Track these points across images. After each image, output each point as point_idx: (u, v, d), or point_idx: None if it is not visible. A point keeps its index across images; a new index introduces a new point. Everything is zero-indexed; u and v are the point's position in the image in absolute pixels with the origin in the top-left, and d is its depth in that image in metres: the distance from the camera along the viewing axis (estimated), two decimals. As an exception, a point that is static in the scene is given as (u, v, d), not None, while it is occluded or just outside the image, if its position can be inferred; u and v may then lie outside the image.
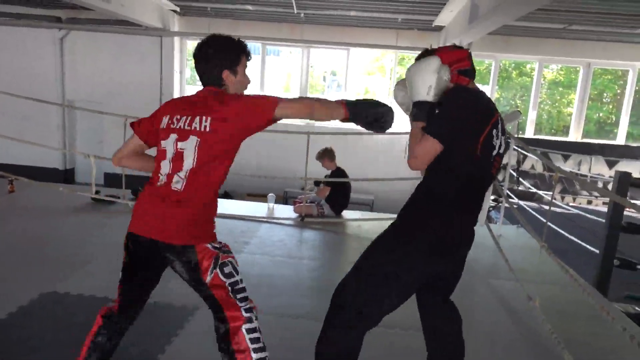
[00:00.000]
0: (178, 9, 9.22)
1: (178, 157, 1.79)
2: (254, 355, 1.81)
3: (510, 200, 6.58)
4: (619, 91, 10.81)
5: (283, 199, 9.20)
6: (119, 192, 5.60)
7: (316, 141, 5.75)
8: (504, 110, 10.35)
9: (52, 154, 9.87)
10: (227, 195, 9.49)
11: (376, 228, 5.61)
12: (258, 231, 4.90)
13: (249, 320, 1.84)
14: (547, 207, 7.13)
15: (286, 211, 5.78)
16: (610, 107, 11.18)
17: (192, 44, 10.93)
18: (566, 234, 5.87)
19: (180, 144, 1.79)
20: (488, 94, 10.28)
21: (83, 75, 10.00)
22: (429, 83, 1.79)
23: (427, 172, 1.87)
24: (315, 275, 3.85)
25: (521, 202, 6.78)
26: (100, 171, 8.92)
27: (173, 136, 1.81)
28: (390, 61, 10.25)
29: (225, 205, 6.06)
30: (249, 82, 1.97)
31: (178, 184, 1.78)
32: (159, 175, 1.84)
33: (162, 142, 1.84)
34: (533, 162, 9.49)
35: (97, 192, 5.54)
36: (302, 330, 2.80)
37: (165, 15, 9.16)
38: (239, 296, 1.84)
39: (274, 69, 11.94)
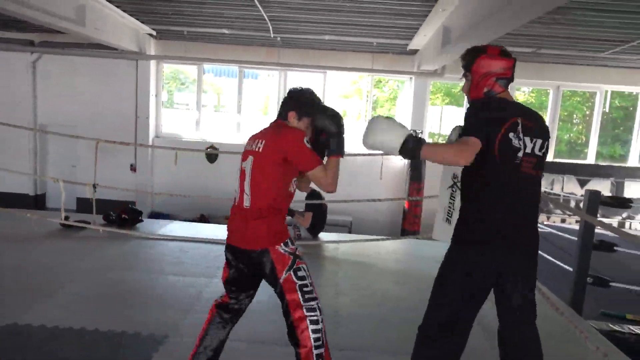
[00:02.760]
0: (154, 33, 9.21)
1: (242, 175, 2.17)
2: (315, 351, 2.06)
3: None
4: (587, 112, 11.14)
5: (261, 222, 9.09)
6: (90, 217, 5.46)
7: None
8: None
9: (22, 179, 9.62)
10: (203, 219, 9.35)
11: (354, 249, 5.61)
12: (233, 255, 4.81)
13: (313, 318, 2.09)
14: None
15: (262, 234, 5.70)
16: (580, 127, 11.51)
17: (168, 67, 10.92)
18: (540, 252, 5.91)
19: (243, 164, 2.18)
20: (460, 116, 10.46)
21: (57, 98, 9.84)
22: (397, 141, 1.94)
23: (462, 184, 2.11)
24: (291, 300, 3.78)
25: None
26: (72, 196, 8.72)
27: (248, 157, 2.18)
28: (367, 84, 10.38)
29: (199, 229, 5.96)
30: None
31: (247, 201, 2.13)
32: (235, 191, 2.22)
33: (241, 163, 2.21)
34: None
35: (66, 218, 5.39)
36: (273, 356, 2.73)
37: (141, 38, 9.14)
38: (307, 297, 2.09)
39: (252, 92, 11.99)
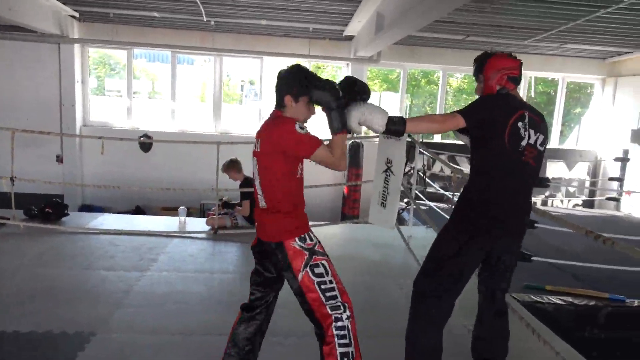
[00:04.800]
0: (77, 15, 8.64)
1: (255, 177, 2.18)
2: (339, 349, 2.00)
3: (420, 202, 6.86)
4: (514, 97, 11.72)
5: (200, 212, 8.90)
6: (9, 212, 5.09)
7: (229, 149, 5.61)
8: (413, 115, 10.82)
9: None
10: (139, 210, 9.01)
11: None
12: (167, 247, 4.68)
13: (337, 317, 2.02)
14: (455, 207, 7.52)
15: (199, 224, 5.58)
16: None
17: (95, 52, 10.32)
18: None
19: (253, 165, 2.19)
20: (398, 101, 10.59)
21: (-31, 86, 9.03)
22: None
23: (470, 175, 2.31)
24: (227, 290, 3.73)
25: (431, 204, 7.10)
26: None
27: (254, 159, 2.19)
28: (304, 70, 10.34)
29: (133, 222, 5.73)
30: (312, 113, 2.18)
31: (262, 201, 2.15)
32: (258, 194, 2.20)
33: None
34: (442, 165, 10.00)
35: (-18, 214, 4.99)
36: (210, 348, 2.69)
37: (63, 21, 8.54)
38: (327, 294, 2.03)
39: (188, 78, 11.59)
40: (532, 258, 4.77)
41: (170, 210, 8.28)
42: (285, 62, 11.23)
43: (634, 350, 4.23)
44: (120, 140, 6.24)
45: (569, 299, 4.25)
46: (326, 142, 2.11)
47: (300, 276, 2.04)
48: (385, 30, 6.42)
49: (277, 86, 2.13)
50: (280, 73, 2.14)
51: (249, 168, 2.47)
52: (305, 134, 2.04)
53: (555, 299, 4.22)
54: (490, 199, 2.19)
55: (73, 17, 8.75)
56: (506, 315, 2.45)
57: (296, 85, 2.08)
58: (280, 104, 2.13)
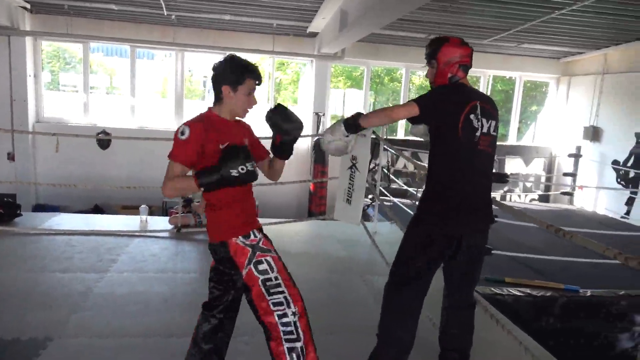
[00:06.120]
0: (28, 6, 8.25)
1: None
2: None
3: (385, 198, 6.93)
4: (474, 95, 12.02)
5: (162, 210, 8.68)
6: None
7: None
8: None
9: None
10: (97, 209, 8.71)
11: (258, 234, 5.56)
12: (128, 247, 4.54)
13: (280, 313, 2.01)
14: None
15: (161, 223, 5.45)
16: (469, 109, 12.41)
17: (49, 45, 9.88)
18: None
19: None
20: (362, 98, 10.66)
21: None
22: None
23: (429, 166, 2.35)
24: (190, 289, 3.65)
25: (395, 200, 7.19)
26: None
27: None
28: (269, 66, 10.25)
29: (91, 221, 5.53)
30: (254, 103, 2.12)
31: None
32: None
33: None
34: (405, 161, 10.15)
35: None
36: (173, 349, 2.62)
37: (13, 12, 8.12)
38: (272, 291, 2.01)
39: (148, 73, 11.26)
40: (493, 251, 4.92)
41: (130, 208, 8.05)
42: (250, 58, 11.05)
43: (587, 339, 4.42)
44: (77, 137, 5.99)
45: (527, 290, 4.39)
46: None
47: (245, 274, 2.03)
48: (349, 27, 6.44)
49: (213, 79, 2.06)
50: (214, 65, 2.07)
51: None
52: (179, 140, 1.96)
53: (514, 291, 4.35)
54: (452, 189, 2.24)
55: (24, 8, 8.35)
56: (474, 308, 2.51)
57: (233, 73, 2.02)
58: (219, 97, 2.07)
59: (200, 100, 12.42)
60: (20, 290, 3.47)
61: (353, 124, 2.28)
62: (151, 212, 6.05)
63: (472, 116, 2.20)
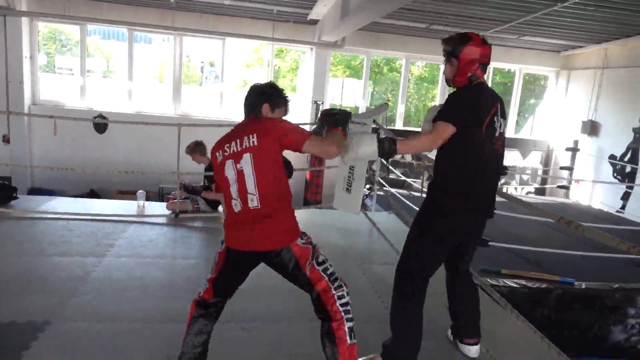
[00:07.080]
0: (25, -14, 8.14)
1: (241, 178, 2.06)
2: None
3: (383, 188, 6.94)
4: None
5: (159, 196, 8.66)
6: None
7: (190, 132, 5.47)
8: (376, 102, 10.91)
9: None
10: (93, 194, 8.68)
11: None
12: (126, 232, 4.52)
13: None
14: (417, 194, 7.66)
15: (159, 208, 5.43)
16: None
17: (45, 27, 9.75)
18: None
19: (237, 166, 2.07)
20: (361, 88, 10.62)
21: None
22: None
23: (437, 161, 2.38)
24: (189, 275, 3.65)
25: (393, 190, 7.20)
26: None
27: (229, 162, 2.08)
28: (268, 53, 10.18)
29: (88, 205, 5.51)
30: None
31: (253, 201, 2.06)
32: (232, 200, 2.10)
33: (224, 172, 2.10)
34: (403, 152, 10.14)
35: None
36: (171, 335, 2.62)
37: (9, -9, 8.01)
38: (331, 278, 2.11)
39: (145, 57, 11.13)
40: (490, 243, 4.96)
41: (126, 194, 8.02)
42: (250, 45, 11.02)
43: (581, 330, 4.48)
44: (74, 120, 5.94)
45: (523, 281, 4.43)
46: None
47: (308, 271, 2.09)
48: (351, 15, 6.39)
49: (253, 98, 2.20)
50: (256, 86, 2.24)
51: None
52: (295, 125, 2.15)
53: (510, 282, 4.39)
54: (473, 188, 2.30)
55: (20, -13, 8.22)
56: (476, 286, 2.71)
57: (275, 97, 2.21)
58: (257, 112, 2.20)
59: (198, 87, 12.32)
60: (18, 273, 3.45)
61: (388, 152, 2.24)
62: (147, 198, 6.03)
63: (495, 118, 2.27)
